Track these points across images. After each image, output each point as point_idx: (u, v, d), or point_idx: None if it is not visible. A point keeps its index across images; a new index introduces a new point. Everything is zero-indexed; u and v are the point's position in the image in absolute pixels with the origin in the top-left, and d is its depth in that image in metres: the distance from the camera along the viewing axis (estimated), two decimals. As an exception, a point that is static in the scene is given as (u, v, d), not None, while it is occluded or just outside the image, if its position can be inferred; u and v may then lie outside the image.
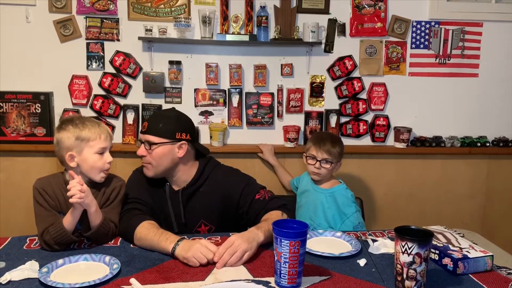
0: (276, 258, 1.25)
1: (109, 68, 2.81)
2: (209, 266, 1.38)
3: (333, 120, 2.95)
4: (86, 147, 1.61)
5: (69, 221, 1.50)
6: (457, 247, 1.45)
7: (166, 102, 2.87)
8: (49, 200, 1.60)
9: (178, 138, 1.78)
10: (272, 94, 2.92)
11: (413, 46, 2.96)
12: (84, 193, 1.48)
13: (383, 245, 1.53)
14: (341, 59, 2.93)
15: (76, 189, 1.47)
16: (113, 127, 2.85)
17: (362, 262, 1.42)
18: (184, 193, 1.80)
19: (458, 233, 1.61)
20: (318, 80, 2.94)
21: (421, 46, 2.97)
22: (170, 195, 1.80)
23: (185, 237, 1.53)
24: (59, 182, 1.65)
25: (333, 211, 2.20)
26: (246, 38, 2.76)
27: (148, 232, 1.52)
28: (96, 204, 1.55)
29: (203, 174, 1.84)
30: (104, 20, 2.75)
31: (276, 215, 1.66)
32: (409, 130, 2.95)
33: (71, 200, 1.47)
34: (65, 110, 2.80)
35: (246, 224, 1.80)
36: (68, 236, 1.48)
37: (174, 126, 1.80)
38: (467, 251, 1.41)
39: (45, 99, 2.73)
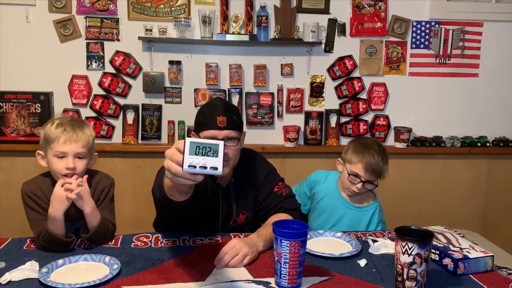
0: (276, 258, 1.25)
1: (109, 68, 2.81)
2: (209, 266, 1.38)
3: (333, 120, 2.95)
4: (49, 148, 1.57)
5: (53, 225, 1.45)
6: (457, 247, 1.45)
7: (166, 102, 2.87)
8: (40, 203, 1.56)
9: (242, 129, 1.71)
10: (272, 94, 2.92)
11: (413, 46, 2.97)
12: (80, 188, 1.46)
13: (383, 246, 1.52)
14: (341, 59, 2.93)
15: (75, 183, 1.45)
16: (113, 127, 2.85)
17: (362, 262, 1.42)
18: (234, 187, 1.73)
19: (459, 233, 1.60)
20: (318, 80, 2.94)
21: (421, 46, 2.97)
22: (222, 193, 1.72)
23: None
24: (48, 183, 1.61)
25: (359, 227, 1.92)
26: (246, 38, 2.76)
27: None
28: (91, 206, 1.51)
29: (242, 159, 1.75)
30: (104, 20, 2.75)
31: (284, 218, 1.61)
32: (409, 130, 2.95)
33: (69, 195, 1.44)
34: (65, 110, 2.80)
35: (257, 212, 1.77)
36: (58, 239, 1.45)
37: (240, 116, 1.71)
38: (467, 252, 1.41)
39: (45, 99, 2.73)
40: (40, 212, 1.55)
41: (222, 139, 1.55)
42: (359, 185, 1.85)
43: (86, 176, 1.53)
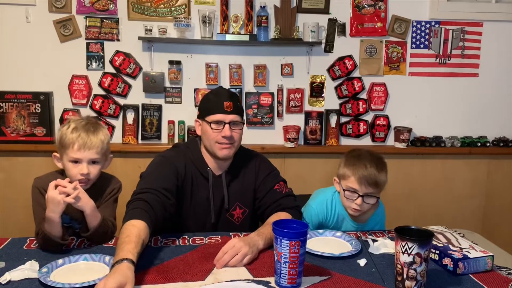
0: (276, 258, 1.25)
1: (109, 68, 2.81)
2: (209, 266, 1.38)
3: (333, 120, 2.95)
4: (64, 153, 1.58)
5: (50, 227, 1.44)
6: (457, 247, 1.45)
7: (166, 102, 2.88)
8: None
9: (243, 115, 1.78)
10: (272, 94, 2.92)
11: (413, 46, 2.97)
12: (78, 190, 1.45)
13: (383, 245, 1.52)
14: (341, 59, 2.93)
15: (71, 186, 1.44)
16: (113, 127, 2.86)
17: (362, 262, 1.42)
18: (227, 176, 1.76)
19: (458, 233, 1.60)
20: (318, 80, 2.94)
21: (421, 46, 2.97)
22: (213, 180, 1.74)
23: (130, 260, 1.22)
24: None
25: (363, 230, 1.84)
26: (246, 38, 2.76)
27: (122, 234, 1.36)
28: (91, 206, 1.50)
29: (242, 155, 1.81)
30: (104, 20, 2.75)
31: (281, 216, 1.62)
32: (409, 130, 2.95)
33: (66, 199, 1.43)
34: (65, 110, 2.80)
35: (256, 210, 1.79)
36: (53, 241, 1.45)
37: (241, 104, 1.79)
38: (467, 251, 1.41)
39: (45, 99, 2.73)
40: (45, 209, 1.55)
41: (228, 123, 1.66)
42: (358, 201, 1.70)
43: (76, 183, 1.50)
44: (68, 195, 1.44)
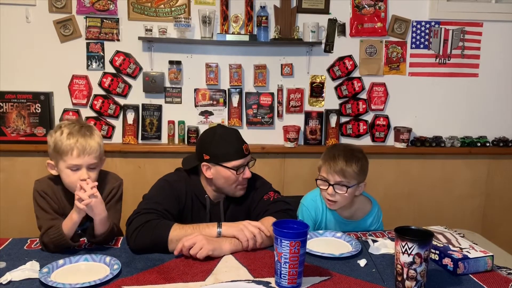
0: (276, 258, 1.26)
1: (109, 68, 2.81)
2: (209, 266, 1.38)
3: (333, 120, 2.95)
4: (61, 160, 1.55)
5: (68, 226, 1.46)
6: (457, 247, 1.45)
7: (166, 102, 2.88)
8: (51, 202, 1.58)
9: None
10: (272, 94, 2.92)
11: (413, 46, 2.97)
12: (92, 200, 1.45)
13: (383, 246, 1.53)
14: (341, 59, 2.93)
15: (87, 194, 1.44)
16: (113, 127, 2.86)
17: (362, 262, 1.42)
18: (225, 204, 1.77)
19: (458, 233, 1.61)
20: (318, 80, 2.94)
21: (421, 46, 2.97)
22: (210, 207, 1.75)
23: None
24: (60, 184, 1.61)
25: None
26: (246, 38, 2.76)
27: (184, 230, 1.49)
28: (102, 218, 1.49)
29: None
30: (104, 20, 2.75)
31: (267, 222, 1.59)
32: (409, 130, 2.95)
33: (78, 205, 1.43)
34: (65, 110, 2.80)
35: None
36: (66, 241, 1.46)
37: None
38: (467, 251, 1.41)
39: (45, 99, 2.73)
40: (48, 211, 1.56)
41: (246, 164, 1.70)
42: (330, 190, 1.73)
43: (96, 184, 1.51)
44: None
